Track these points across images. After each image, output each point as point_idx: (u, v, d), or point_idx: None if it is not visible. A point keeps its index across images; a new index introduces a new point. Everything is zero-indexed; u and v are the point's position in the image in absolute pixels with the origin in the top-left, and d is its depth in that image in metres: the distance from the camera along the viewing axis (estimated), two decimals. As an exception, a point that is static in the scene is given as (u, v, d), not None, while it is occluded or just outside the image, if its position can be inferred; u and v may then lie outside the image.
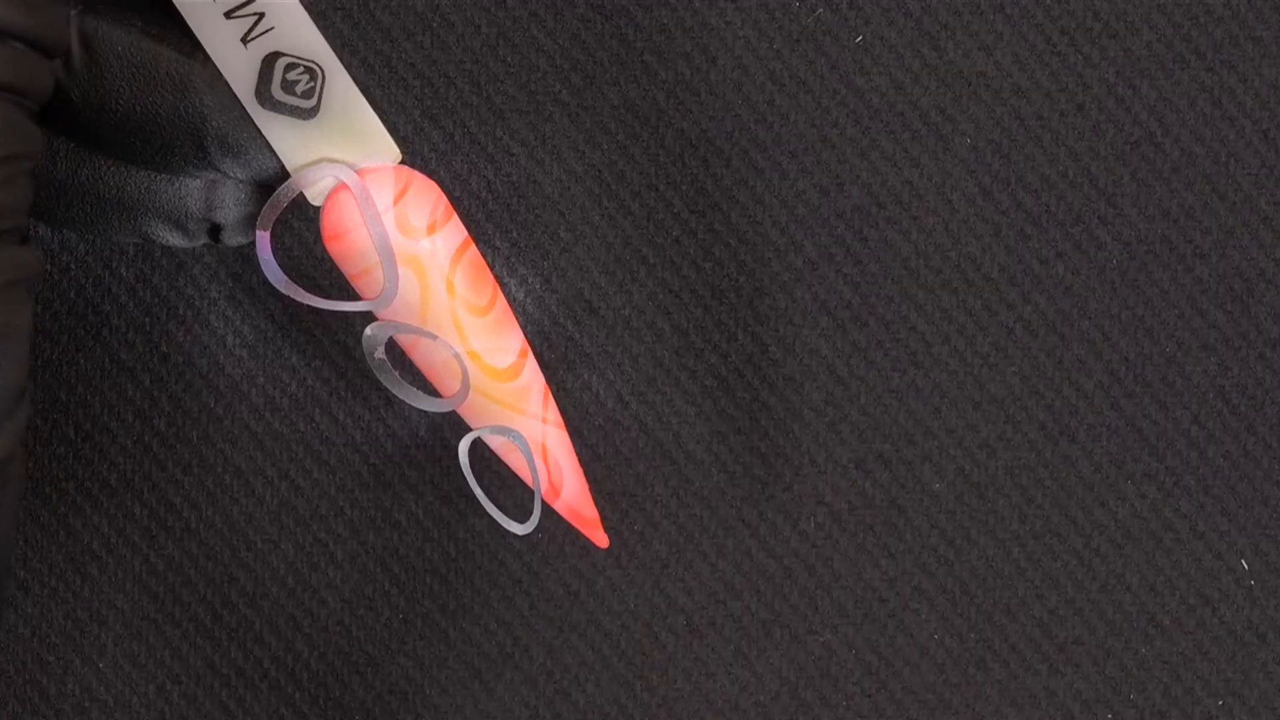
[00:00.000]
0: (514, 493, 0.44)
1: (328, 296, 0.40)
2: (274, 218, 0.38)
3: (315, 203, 0.39)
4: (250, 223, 0.39)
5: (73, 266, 0.43)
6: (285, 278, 0.39)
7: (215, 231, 0.39)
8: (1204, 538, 0.45)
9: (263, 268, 0.39)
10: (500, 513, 0.41)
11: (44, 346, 0.43)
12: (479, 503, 0.44)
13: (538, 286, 0.44)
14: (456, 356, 0.39)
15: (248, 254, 0.43)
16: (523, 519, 0.41)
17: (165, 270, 0.43)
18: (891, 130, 0.44)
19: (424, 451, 0.44)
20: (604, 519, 0.44)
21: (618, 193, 0.44)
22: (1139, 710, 0.45)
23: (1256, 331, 0.45)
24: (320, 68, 0.38)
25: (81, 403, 0.43)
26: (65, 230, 0.41)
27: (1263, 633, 0.45)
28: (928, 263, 0.44)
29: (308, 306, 0.43)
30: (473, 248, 0.39)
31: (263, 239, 0.39)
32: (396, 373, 0.40)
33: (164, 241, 0.39)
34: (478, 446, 0.41)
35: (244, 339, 0.43)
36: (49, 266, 0.43)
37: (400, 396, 0.40)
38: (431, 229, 0.39)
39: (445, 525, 0.44)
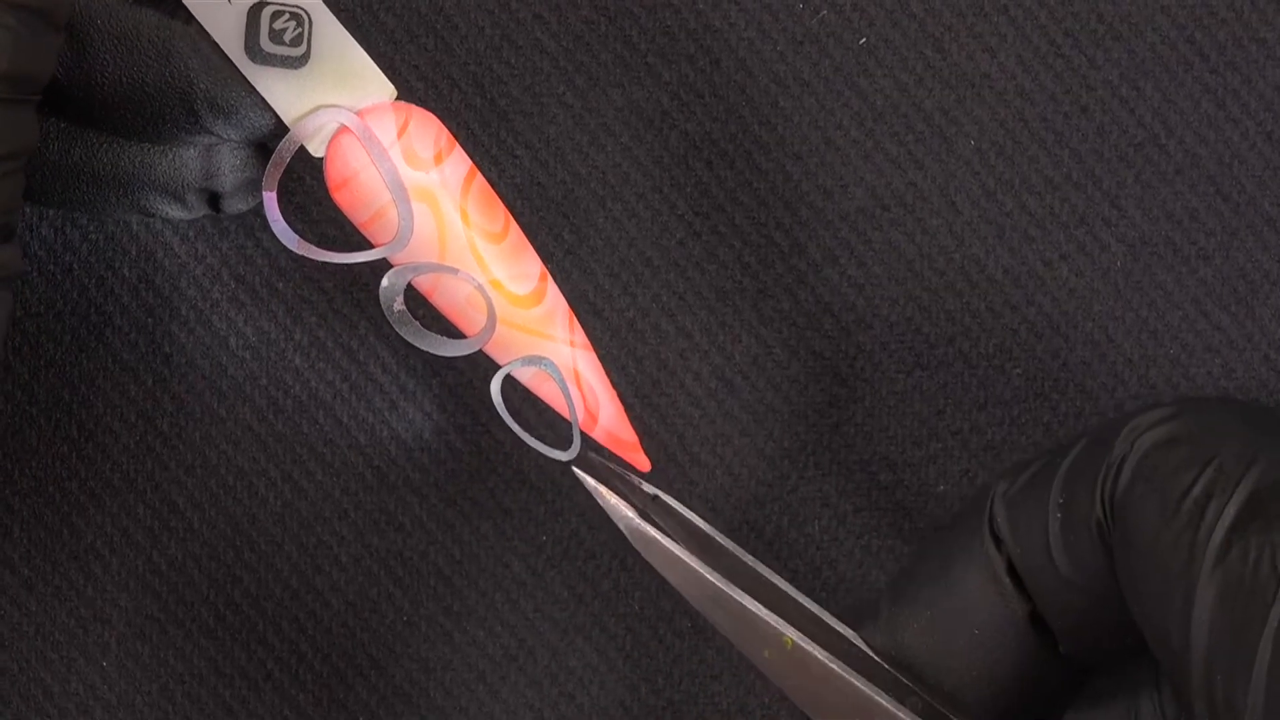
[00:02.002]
0: (552, 430, 0.44)
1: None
2: (278, 176, 0.38)
3: (317, 153, 0.38)
4: (249, 188, 0.39)
5: (75, 266, 0.43)
6: (297, 238, 0.38)
7: (215, 201, 0.39)
8: (1210, 538, 0.45)
9: (273, 229, 0.38)
10: (541, 443, 0.39)
11: (47, 346, 0.43)
12: (481, 503, 0.44)
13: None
14: (480, 288, 0.38)
15: (250, 255, 0.43)
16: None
17: (168, 271, 0.43)
18: (895, 132, 0.44)
19: (428, 453, 0.44)
20: (609, 520, 0.44)
21: (622, 195, 0.44)
22: (1145, 713, 0.45)
23: (1261, 333, 0.45)
24: (305, 12, 0.37)
25: (85, 402, 0.43)
26: (61, 210, 0.40)
27: (1269, 635, 0.45)
28: (931, 264, 0.44)
29: (309, 306, 0.43)
30: (479, 175, 0.39)
31: (270, 200, 0.38)
32: (418, 323, 0.39)
33: (164, 214, 0.39)
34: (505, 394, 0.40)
35: (247, 340, 0.43)
36: (52, 266, 0.43)
37: (425, 347, 0.39)
38: (438, 159, 0.38)
39: (449, 527, 0.44)
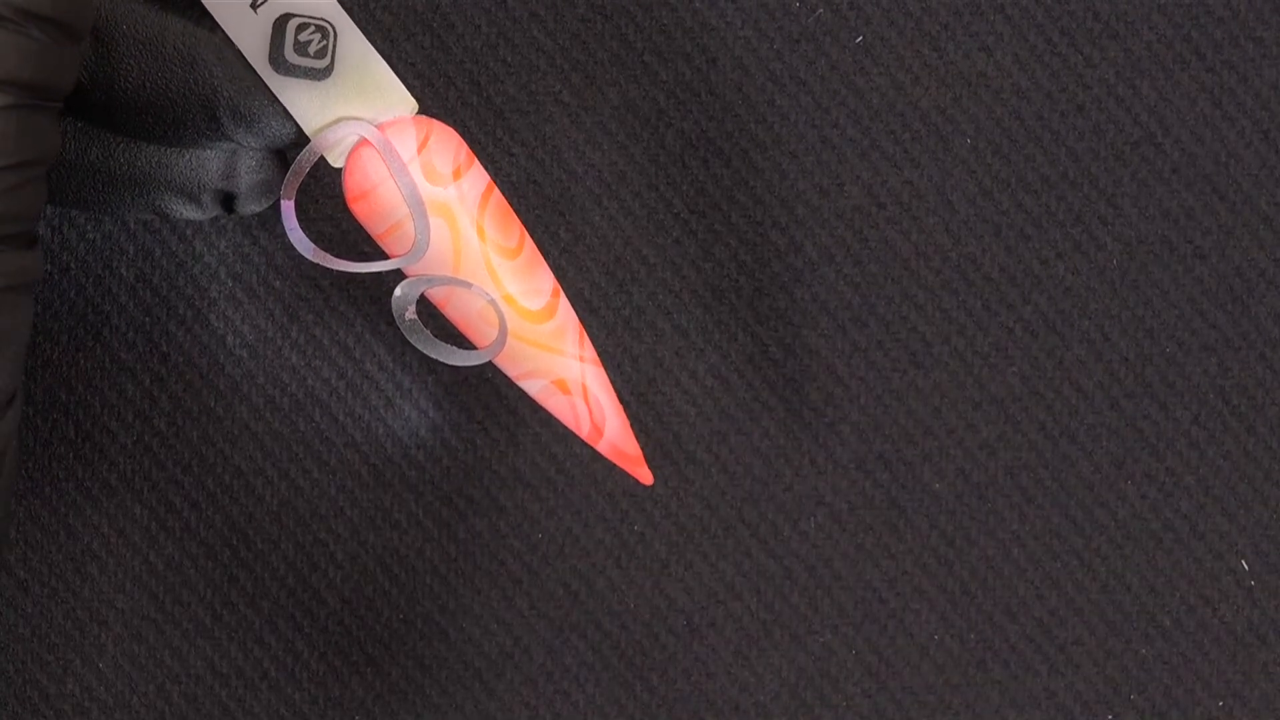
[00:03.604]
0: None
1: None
2: (297, 185, 0.38)
3: (336, 164, 0.38)
4: (264, 189, 0.39)
5: (73, 266, 0.43)
6: (313, 246, 0.39)
7: (229, 201, 0.39)
8: (1204, 538, 0.45)
9: (289, 237, 0.38)
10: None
11: (44, 346, 0.43)
12: (477, 500, 0.44)
13: (538, 287, 0.44)
14: (492, 303, 0.39)
15: (247, 254, 0.43)
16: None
17: (165, 270, 0.43)
18: (891, 130, 0.44)
19: (424, 451, 0.44)
20: (604, 519, 0.44)
21: (618, 193, 0.44)
22: (1139, 711, 0.45)
23: (1257, 332, 0.45)
24: (331, 25, 0.38)
25: (82, 402, 0.43)
26: (75, 209, 0.41)
27: (1263, 633, 0.45)
28: (928, 263, 0.44)
29: (306, 305, 0.43)
30: (497, 190, 0.39)
31: (287, 208, 0.38)
32: (429, 331, 0.40)
33: (177, 215, 0.39)
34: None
35: (244, 339, 0.43)
36: (49, 266, 0.43)
37: (435, 356, 0.39)
38: (457, 174, 0.39)
39: (445, 525, 0.44)
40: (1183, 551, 0.45)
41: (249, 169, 0.39)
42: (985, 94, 0.44)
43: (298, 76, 0.37)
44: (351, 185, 0.38)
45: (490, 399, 0.43)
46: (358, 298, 0.43)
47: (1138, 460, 0.45)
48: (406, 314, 0.39)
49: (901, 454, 0.44)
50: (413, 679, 0.44)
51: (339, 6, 0.38)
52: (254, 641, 0.43)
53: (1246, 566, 0.45)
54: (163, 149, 0.38)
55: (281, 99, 0.38)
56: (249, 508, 0.44)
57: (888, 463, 0.44)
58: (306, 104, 0.38)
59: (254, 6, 0.37)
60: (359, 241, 0.43)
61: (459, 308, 0.39)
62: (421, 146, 0.38)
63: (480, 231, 0.39)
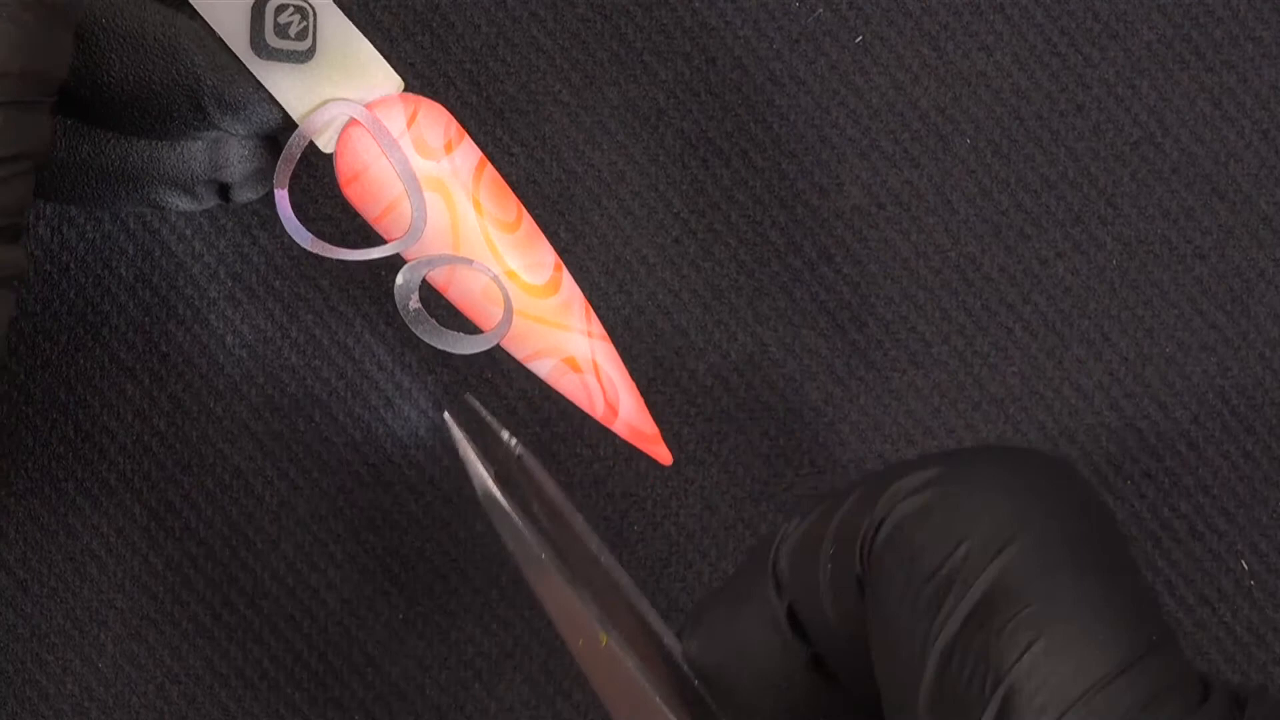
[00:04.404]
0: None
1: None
2: (289, 172, 0.38)
3: (327, 149, 0.38)
4: (257, 177, 0.39)
5: (72, 266, 0.43)
6: (311, 236, 0.38)
7: (224, 191, 0.39)
8: (1204, 538, 0.45)
9: (285, 226, 0.38)
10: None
11: (44, 346, 0.43)
12: (477, 503, 0.44)
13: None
14: (495, 279, 0.38)
15: (246, 254, 0.43)
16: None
17: (165, 270, 0.43)
18: (891, 131, 0.44)
19: (424, 451, 0.44)
20: (606, 518, 0.44)
21: (618, 193, 0.44)
22: (1139, 711, 0.45)
23: (1256, 332, 0.45)
24: (310, 5, 0.37)
25: (81, 402, 0.43)
26: (71, 205, 0.40)
27: (1262, 633, 0.45)
28: (927, 263, 0.44)
29: (306, 305, 0.43)
30: (490, 165, 0.39)
31: (281, 197, 0.38)
32: (434, 320, 0.39)
33: (173, 207, 0.39)
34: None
35: (243, 339, 0.43)
36: (48, 266, 0.43)
37: (442, 346, 0.39)
38: (449, 148, 0.38)
39: (445, 525, 0.44)
40: (1183, 551, 0.45)
41: (240, 157, 0.38)
42: (985, 94, 0.44)
43: (280, 60, 0.37)
44: (343, 168, 0.38)
45: (490, 399, 0.43)
46: (358, 298, 0.43)
47: (1137, 460, 0.45)
48: (410, 303, 0.39)
49: (901, 454, 0.44)
50: (413, 679, 0.44)
51: None
52: (254, 642, 0.43)
53: (1246, 566, 0.45)
54: (153, 142, 0.38)
55: (266, 84, 0.37)
56: (248, 507, 0.43)
57: (886, 462, 0.44)
58: (291, 88, 0.38)
59: None
60: (358, 243, 0.42)
61: (462, 289, 0.39)
62: (410, 122, 0.38)
63: (477, 205, 0.38)
